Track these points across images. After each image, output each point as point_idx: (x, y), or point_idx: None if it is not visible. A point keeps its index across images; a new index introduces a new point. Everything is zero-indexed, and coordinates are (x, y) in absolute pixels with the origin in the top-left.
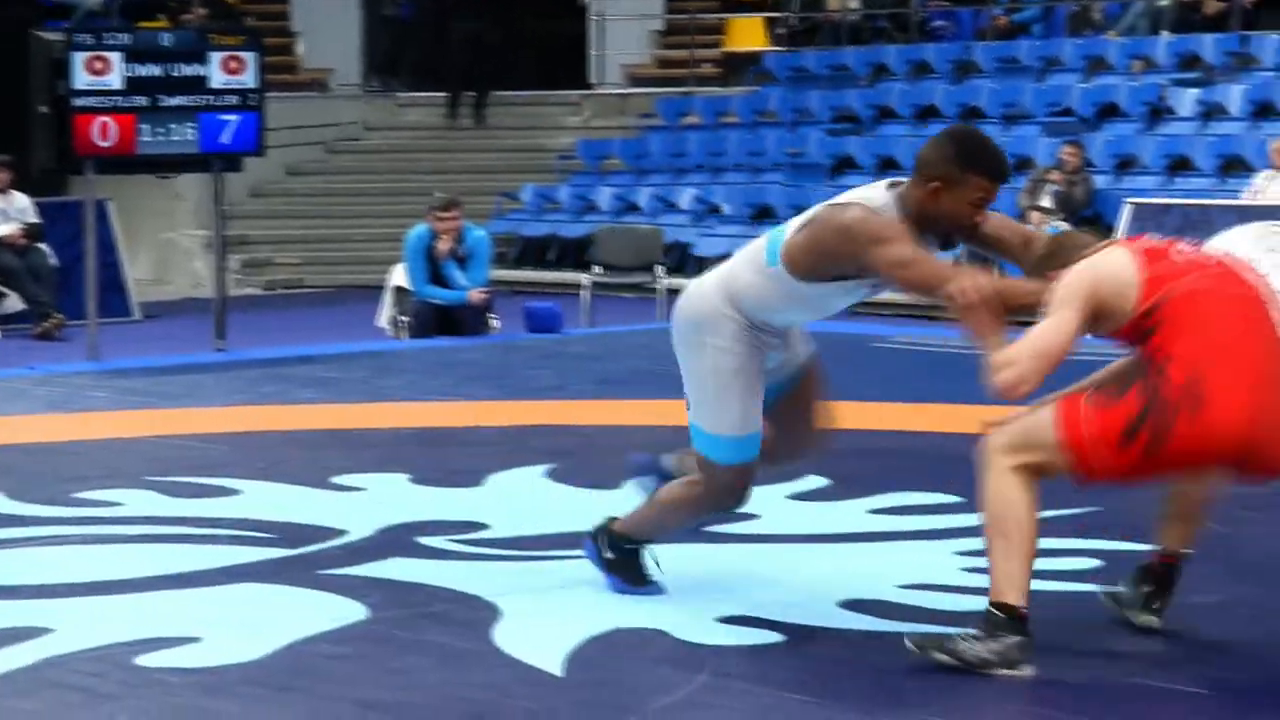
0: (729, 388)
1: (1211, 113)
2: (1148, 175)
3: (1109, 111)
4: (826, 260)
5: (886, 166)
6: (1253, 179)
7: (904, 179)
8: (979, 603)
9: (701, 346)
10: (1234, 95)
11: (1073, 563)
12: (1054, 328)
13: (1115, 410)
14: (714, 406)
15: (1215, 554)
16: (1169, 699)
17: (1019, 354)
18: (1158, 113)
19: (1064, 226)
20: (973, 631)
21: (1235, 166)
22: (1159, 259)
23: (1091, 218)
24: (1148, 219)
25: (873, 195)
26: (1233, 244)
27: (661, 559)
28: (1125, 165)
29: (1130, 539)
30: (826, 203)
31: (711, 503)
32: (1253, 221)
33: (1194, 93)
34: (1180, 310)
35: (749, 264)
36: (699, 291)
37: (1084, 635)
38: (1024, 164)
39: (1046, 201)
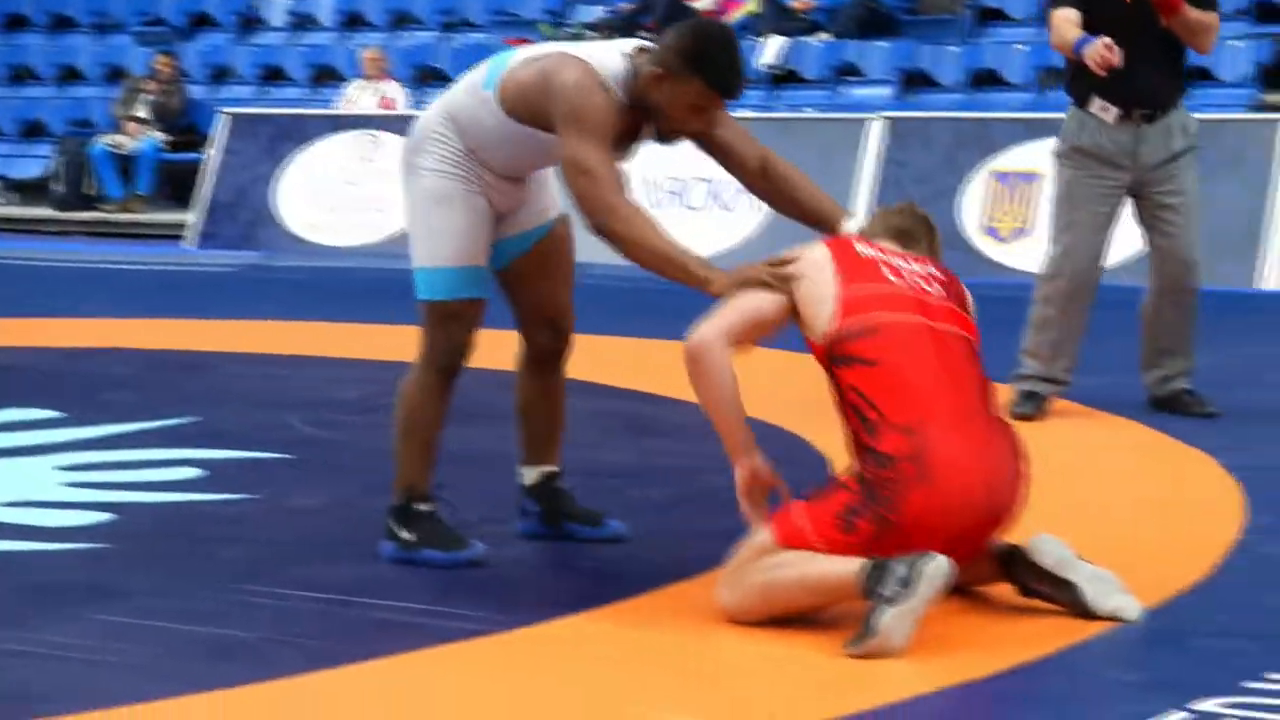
0: (442, 213)
1: (303, 23)
2: (242, 85)
3: (201, 20)
4: (528, 107)
5: None
6: (344, 88)
7: (651, 46)
8: (83, 517)
9: (414, 171)
10: (324, 6)
11: (177, 473)
12: (751, 298)
13: (829, 500)
14: (426, 235)
15: (317, 457)
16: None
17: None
18: (249, 22)
19: (161, 137)
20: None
21: (327, 76)
22: (862, 277)
23: (187, 128)
24: (244, 129)
25: (609, 61)
26: (330, 153)
27: None
28: (220, 75)
29: (231, 447)
30: (562, 48)
31: (433, 362)
32: (346, 131)
33: (285, 2)
34: (882, 351)
35: (467, 85)
36: (420, 117)
37: (191, 549)
38: (118, 74)
39: (142, 112)
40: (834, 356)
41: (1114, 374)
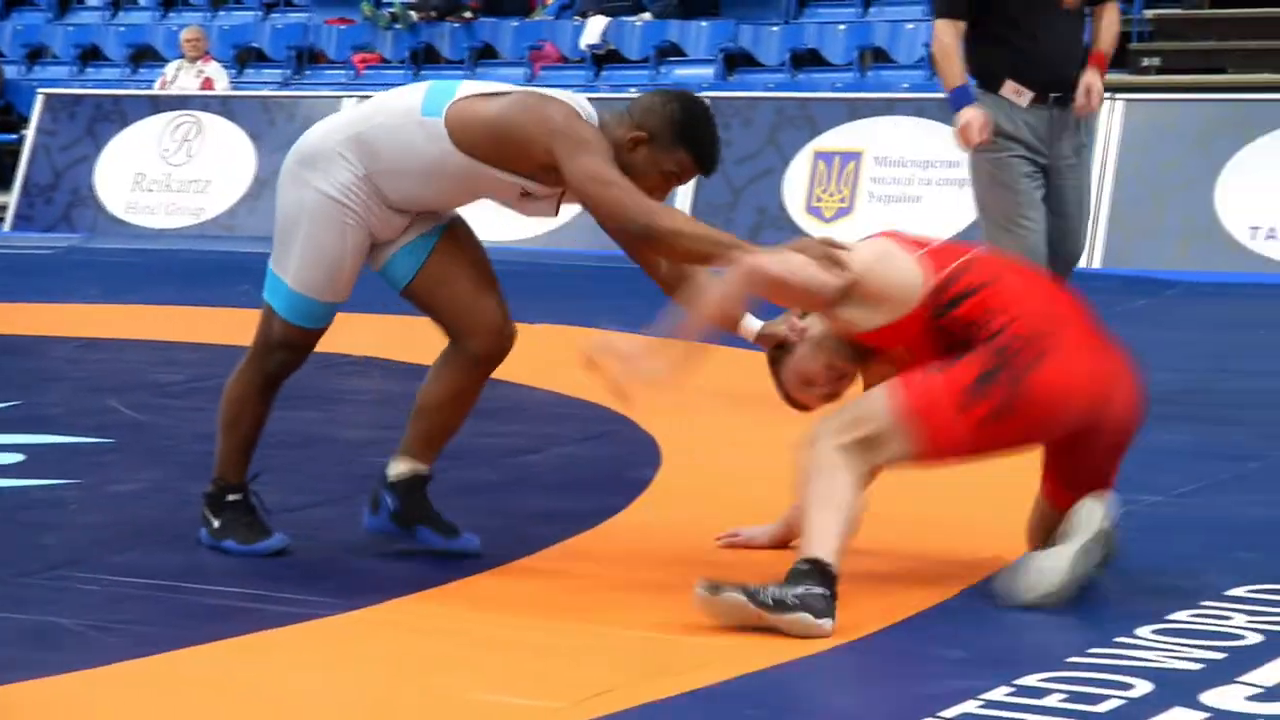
0: (319, 238)
1: (121, 2)
2: (59, 65)
3: None
4: (508, 144)
5: None
6: (164, 69)
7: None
8: None
9: (302, 183)
10: None
11: None
12: (822, 273)
13: (958, 368)
14: (297, 255)
15: (139, 441)
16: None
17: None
18: (66, 2)
19: None
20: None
21: (146, 56)
22: (923, 243)
23: (3, 108)
24: (60, 110)
25: (584, 104)
26: (150, 134)
27: None
28: (36, 55)
29: (52, 431)
30: (527, 88)
31: (263, 368)
32: (166, 111)
33: None
34: (986, 275)
35: (396, 109)
36: (317, 129)
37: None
38: None
39: None
40: (940, 307)
41: None
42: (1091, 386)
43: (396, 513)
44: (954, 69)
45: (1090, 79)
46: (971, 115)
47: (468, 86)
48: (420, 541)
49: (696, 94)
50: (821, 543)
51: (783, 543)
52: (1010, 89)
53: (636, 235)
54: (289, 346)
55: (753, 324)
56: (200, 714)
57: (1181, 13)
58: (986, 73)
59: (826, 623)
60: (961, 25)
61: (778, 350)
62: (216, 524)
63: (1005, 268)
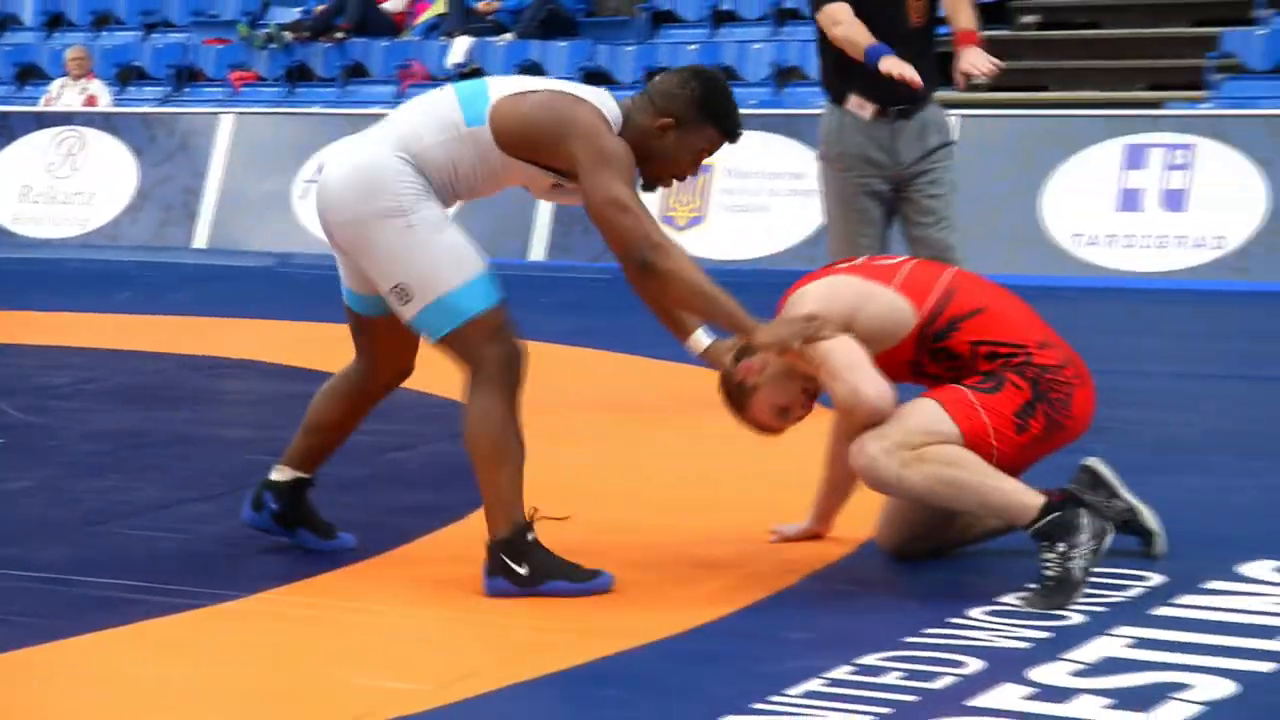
0: (445, 232)
1: (5, 22)
2: None
3: None
4: (538, 143)
5: None
6: (49, 86)
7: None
8: None
9: (390, 213)
10: (27, 5)
11: None
12: (848, 344)
13: (1004, 399)
14: (444, 255)
15: (27, 441)
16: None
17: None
18: None
19: None
20: (1047, 558)
21: (31, 74)
22: (887, 272)
23: None
24: None
25: (608, 103)
26: (35, 148)
27: None
28: None
29: None
30: (556, 84)
31: (503, 369)
32: (50, 127)
33: None
34: (974, 300)
35: (434, 124)
36: (360, 163)
37: None
38: None
39: None
40: (937, 334)
41: None
42: (1092, 409)
43: (278, 514)
44: (859, 35)
45: (970, 56)
46: (894, 64)
47: (497, 86)
48: (299, 542)
49: (710, 68)
50: (1020, 501)
51: (816, 536)
52: (854, 103)
53: (636, 265)
54: (503, 332)
55: (702, 339)
56: (85, 702)
57: (1010, 34)
58: (833, 87)
59: (1109, 529)
60: (846, 6)
61: (737, 387)
62: (526, 570)
63: (987, 292)
